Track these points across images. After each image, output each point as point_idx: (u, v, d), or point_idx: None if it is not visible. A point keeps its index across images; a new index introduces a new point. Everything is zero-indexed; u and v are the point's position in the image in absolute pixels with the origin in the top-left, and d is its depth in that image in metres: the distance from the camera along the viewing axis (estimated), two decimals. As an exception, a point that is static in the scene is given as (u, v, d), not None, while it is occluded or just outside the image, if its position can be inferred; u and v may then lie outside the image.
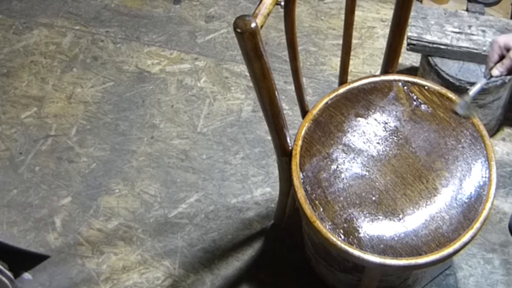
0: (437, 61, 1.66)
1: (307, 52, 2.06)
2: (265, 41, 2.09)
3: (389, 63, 1.40)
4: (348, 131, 1.30)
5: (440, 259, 1.14)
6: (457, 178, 1.22)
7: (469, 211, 1.18)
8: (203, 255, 1.67)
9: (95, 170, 1.84)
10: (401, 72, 1.96)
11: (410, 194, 1.21)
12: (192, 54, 2.09)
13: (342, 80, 1.40)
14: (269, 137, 1.72)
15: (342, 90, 1.37)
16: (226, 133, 1.89)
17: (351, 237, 1.17)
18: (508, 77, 1.61)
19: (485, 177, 1.22)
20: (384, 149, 1.27)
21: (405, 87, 1.36)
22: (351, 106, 1.34)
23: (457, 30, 1.66)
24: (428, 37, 1.65)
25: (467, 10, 1.84)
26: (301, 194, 1.22)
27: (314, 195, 1.22)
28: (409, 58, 2.02)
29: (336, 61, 2.03)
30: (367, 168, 1.24)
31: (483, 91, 1.62)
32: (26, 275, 1.65)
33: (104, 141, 1.90)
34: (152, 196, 1.78)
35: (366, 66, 2.02)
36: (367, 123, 1.31)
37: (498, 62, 1.20)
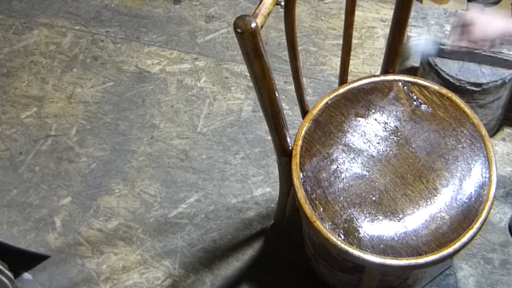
0: (437, 61, 1.66)
1: (307, 52, 2.06)
2: (265, 41, 2.09)
3: (389, 63, 1.40)
4: (348, 131, 1.30)
5: (440, 259, 1.14)
6: (457, 178, 1.22)
7: (469, 211, 1.18)
8: (203, 255, 1.67)
9: (95, 170, 1.84)
10: (401, 72, 1.96)
11: (410, 194, 1.21)
12: (192, 54, 2.09)
13: (342, 80, 1.40)
14: (269, 137, 1.72)
15: (342, 90, 1.37)
16: (226, 133, 1.89)
17: (351, 237, 1.17)
18: (509, 77, 1.61)
19: (485, 177, 1.22)
20: (384, 149, 1.27)
21: (405, 87, 1.36)
22: (351, 106, 1.33)
23: (457, 30, 1.66)
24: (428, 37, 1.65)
25: (467, 10, 1.83)
26: (301, 194, 1.22)
27: (314, 195, 1.22)
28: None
29: (336, 61, 2.03)
30: (367, 168, 1.24)
31: (482, 91, 1.62)
32: (26, 275, 1.65)
33: (104, 141, 1.90)
34: (152, 196, 1.78)
35: (366, 66, 2.01)
36: (367, 123, 1.31)
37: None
